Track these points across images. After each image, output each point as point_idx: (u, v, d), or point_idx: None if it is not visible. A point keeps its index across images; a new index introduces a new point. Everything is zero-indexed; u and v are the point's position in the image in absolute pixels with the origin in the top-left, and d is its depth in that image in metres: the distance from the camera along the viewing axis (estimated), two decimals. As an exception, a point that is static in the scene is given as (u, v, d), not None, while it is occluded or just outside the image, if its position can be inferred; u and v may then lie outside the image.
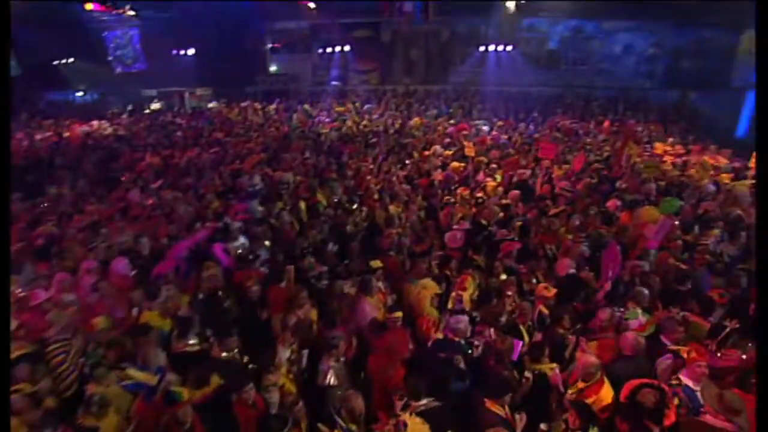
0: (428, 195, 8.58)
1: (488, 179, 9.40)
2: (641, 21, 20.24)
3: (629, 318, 4.41)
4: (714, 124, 16.47)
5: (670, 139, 12.87)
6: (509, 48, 21.35)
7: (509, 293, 4.99)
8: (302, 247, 6.20)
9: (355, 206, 7.92)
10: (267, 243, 6.46)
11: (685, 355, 3.79)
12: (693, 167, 9.48)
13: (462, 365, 4.01)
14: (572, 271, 5.44)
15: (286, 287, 5.16)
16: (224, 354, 4.20)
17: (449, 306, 5.02)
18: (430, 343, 4.40)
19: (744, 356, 3.64)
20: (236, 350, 4.26)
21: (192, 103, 21.81)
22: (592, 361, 3.75)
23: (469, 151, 10.09)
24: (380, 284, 5.30)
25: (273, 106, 19.17)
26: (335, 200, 8.12)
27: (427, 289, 5.25)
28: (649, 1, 15.78)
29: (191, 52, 21.53)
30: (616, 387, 3.62)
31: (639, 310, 4.48)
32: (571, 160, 10.15)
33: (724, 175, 8.79)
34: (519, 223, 6.75)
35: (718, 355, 3.76)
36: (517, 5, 15.77)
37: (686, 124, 16.48)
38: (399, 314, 4.82)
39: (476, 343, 4.30)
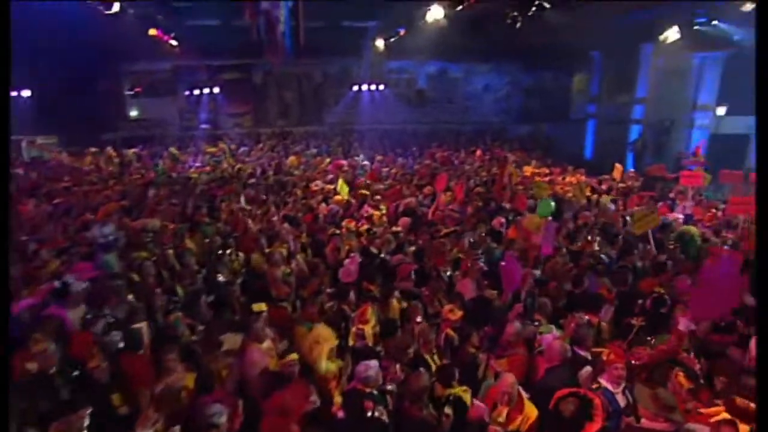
0: (313, 231, 8.05)
1: (373, 210, 9.25)
2: (496, 63, 22.56)
3: (543, 332, 4.26)
4: (564, 150, 18.70)
5: (534, 163, 14.04)
6: (381, 87, 22.23)
7: (418, 320, 4.57)
8: (169, 301, 5.20)
9: (229, 250, 7.08)
10: (126, 300, 5.33)
11: (604, 358, 3.66)
12: (558, 185, 10.33)
13: (384, 417, 3.42)
14: (474, 289, 5.27)
15: (145, 352, 4.16)
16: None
17: (351, 343, 4.47)
18: (340, 400, 3.76)
19: (651, 352, 3.66)
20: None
21: (32, 152, 18.71)
22: (510, 381, 3.44)
23: (359, 183, 10.27)
24: (268, 331, 4.56)
25: (132, 151, 17.29)
26: (208, 245, 7.19)
27: (320, 342, 4.54)
28: (499, 45, 17.69)
29: (26, 93, 18.65)
30: (548, 399, 3.35)
31: (552, 326, 4.36)
32: (453, 186, 10.44)
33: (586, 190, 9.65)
34: (413, 249, 6.51)
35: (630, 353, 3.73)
36: (386, 45, 16.39)
37: (542, 151, 18.34)
38: (294, 356, 4.12)
39: (389, 388, 3.76)
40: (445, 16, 10.45)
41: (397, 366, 3.98)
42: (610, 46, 16.16)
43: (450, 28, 11.41)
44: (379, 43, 16.56)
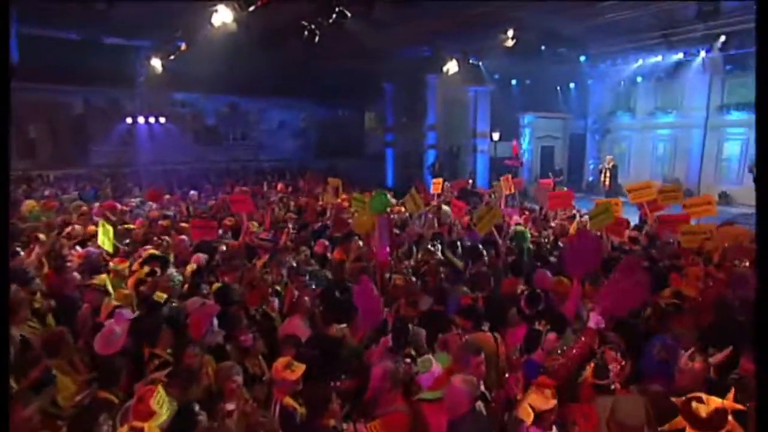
0: (57, 286, 5.42)
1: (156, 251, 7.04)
2: (289, 99, 22.05)
3: (421, 371, 2.96)
4: (366, 179, 18.83)
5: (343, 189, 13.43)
6: (162, 120, 19.33)
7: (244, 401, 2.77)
8: None
9: None
10: None
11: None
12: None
13: None
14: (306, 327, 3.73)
15: None
16: None
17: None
18: None
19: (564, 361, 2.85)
20: None
21: None
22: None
23: (139, 223, 8.57)
24: None
25: None
26: None
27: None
28: (292, 81, 17.22)
29: None
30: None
31: (430, 357, 3.08)
32: (259, 216, 8.97)
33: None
34: (216, 286, 4.65)
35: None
36: (164, 65, 13.83)
37: (346, 182, 18.09)
38: None
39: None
40: (235, 20, 8.93)
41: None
42: (400, 77, 16.98)
43: (240, 38, 9.92)
44: (156, 62, 13.89)
